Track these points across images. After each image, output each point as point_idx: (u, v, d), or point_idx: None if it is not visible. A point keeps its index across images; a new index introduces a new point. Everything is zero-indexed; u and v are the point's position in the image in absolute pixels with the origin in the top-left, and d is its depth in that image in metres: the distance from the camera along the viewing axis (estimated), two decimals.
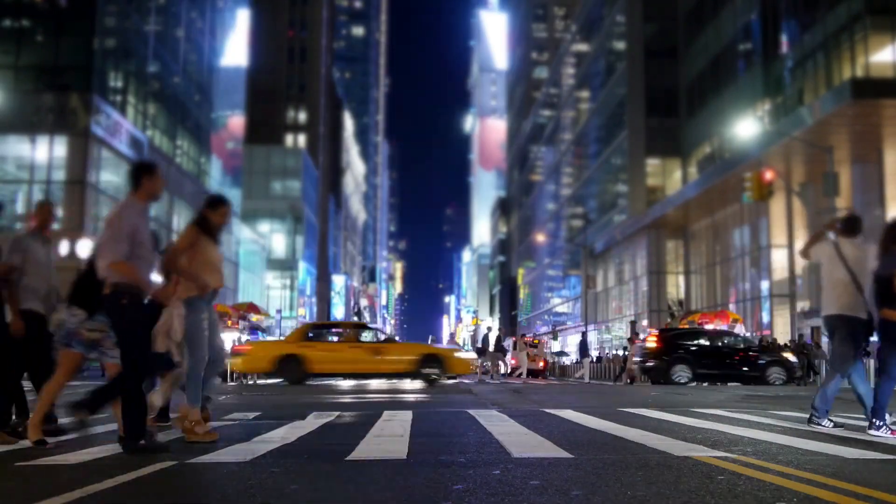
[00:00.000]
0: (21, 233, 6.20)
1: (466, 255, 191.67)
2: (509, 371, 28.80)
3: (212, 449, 4.87)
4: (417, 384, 17.92)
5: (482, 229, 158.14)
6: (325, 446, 5.14)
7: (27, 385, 5.92)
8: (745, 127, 28.66)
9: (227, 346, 17.60)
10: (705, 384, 20.09)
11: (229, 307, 31.64)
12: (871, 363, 21.20)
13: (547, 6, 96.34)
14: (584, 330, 40.82)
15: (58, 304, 5.84)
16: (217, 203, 5.76)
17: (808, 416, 6.51)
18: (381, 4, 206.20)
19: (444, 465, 4.23)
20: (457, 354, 18.97)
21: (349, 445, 5.11)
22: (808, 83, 30.97)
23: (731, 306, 36.33)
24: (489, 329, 28.01)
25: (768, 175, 23.78)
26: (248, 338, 26.05)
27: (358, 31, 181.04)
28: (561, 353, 44.74)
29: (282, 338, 19.52)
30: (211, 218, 5.66)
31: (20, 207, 26.63)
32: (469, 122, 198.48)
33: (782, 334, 30.29)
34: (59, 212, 32.74)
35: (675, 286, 44.82)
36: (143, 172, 5.14)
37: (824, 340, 24.80)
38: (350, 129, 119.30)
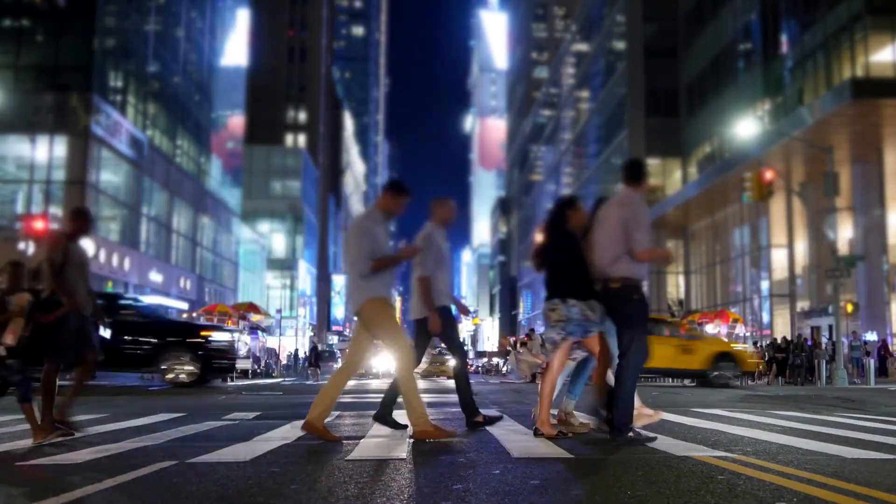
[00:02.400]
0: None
1: (466, 255, 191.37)
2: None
3: (212, 449, 4.87)
4: (420, 384, 17.88)
5: (482, 229, 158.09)
6: (326, 446, 5.13)
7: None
8: (745, 127, 28.66)
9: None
10: None
11: (229, 307, 31.66)
12: (871, 363, 21.18)
13: (547, 6, 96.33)
14: None
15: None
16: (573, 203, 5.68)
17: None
18: (381, 4, 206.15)
19: (444, 464, 4.23)
20: None
21: (350, 445, 5.11)
22: (808, 83, 30.96)
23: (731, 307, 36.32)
24: None
25: (768, 175, 23.77)
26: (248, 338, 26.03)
27: (358, 31, 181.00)
28: None
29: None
30: (572, 216, 5.57)
31: (20, 207, 26.57)
32: (469, 122, 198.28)
33: (782, 334, 30.28)
34: (59, 212, 32.77)
35: (675, 286, 44.82)
36: (644, 170, 5.27)
37: (824, 339, 24.78)
38: (350, 129, 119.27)
